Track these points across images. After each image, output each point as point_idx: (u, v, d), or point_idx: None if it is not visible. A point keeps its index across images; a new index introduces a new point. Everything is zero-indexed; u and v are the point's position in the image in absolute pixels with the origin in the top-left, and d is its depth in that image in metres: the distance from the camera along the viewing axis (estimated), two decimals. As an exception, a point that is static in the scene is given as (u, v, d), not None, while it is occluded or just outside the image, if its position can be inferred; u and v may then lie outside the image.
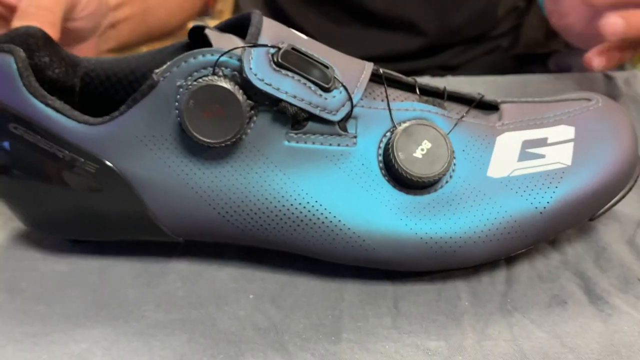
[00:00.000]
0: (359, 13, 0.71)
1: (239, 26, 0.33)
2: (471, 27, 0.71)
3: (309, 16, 0.74)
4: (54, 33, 0.38)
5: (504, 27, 0.73)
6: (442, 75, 0.70)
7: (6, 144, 0.31)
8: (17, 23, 0.38)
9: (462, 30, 0.71)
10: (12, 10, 0.41)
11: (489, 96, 0.39)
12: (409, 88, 0.34)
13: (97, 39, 0.50)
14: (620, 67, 0.89)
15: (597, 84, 0.52)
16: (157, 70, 0.29)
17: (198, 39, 0.34)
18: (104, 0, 0.50)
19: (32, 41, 0.33)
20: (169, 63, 0.29)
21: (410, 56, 0.72)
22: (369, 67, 0.32)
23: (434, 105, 0.32)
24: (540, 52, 0.74)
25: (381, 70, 0.33)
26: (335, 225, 0.30)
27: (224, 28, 0.33)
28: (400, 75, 0.34)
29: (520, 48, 0.72)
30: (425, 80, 0.55)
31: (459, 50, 0.72)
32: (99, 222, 0.32)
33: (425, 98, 0.33)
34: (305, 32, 0.75)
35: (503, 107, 0.34)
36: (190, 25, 0.34)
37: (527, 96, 0.51)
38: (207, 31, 0.32)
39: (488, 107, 0.35)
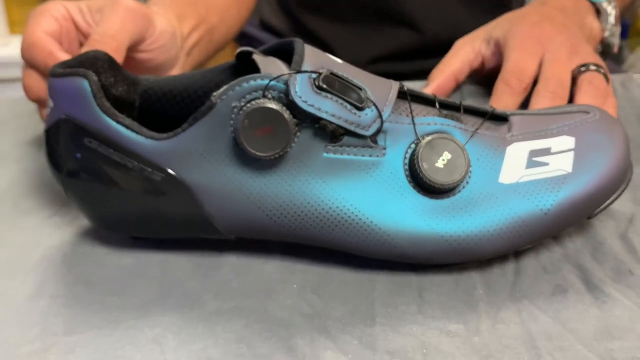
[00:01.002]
0: (363, 11, 0.75)
1: (280, 50, 0.37)
2: (472, 25, 0.75)
3: (307, 15, 0.78)
4: (117, 59, 0.42)
5: None
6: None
7: (80, 155, 0.36)
8: (85, 49, 0.42)
9: (462, 28, 0.75)
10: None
11: None
12: (430, 102, 0.38)
13: (179, 69, 0.54)
14: (619, 64, 0.93)
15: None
16: (215, 93, 0.34)
17: (243, 61, 0.38)
18: (178, 31, 0.53)
19: (99, 64, 0.38)
20: (225, 87, 0.33)
21: (417, 55, 0.76)
22: (395, 86, 0.37)
23: (452, 118, 0.37)
24: None
25: (405, 88, 0.37)
26: (368, 226, 0.35)
27: (267, 51, 0.38)
28: (422, 92, 0.38)
29: None
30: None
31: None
32: (161, 222, 0.37)
33: (444, 112, 0.38)
34: (315, 34, 0.78)
35: (512, 119, 0.39)
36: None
37: (529, 97, 0.56)
38: (254, 56, 0.36)
39: (499, 118, 0.39)
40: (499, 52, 0.53)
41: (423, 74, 0.76)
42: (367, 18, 0.75)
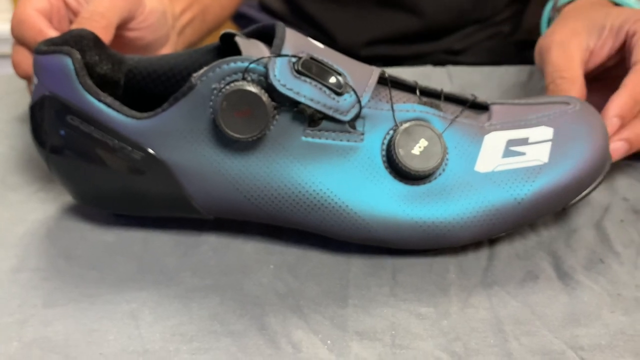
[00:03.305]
0: None
1: (263, 33, 0.38)
2: (472, 10, 0.75)
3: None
4: (106, 36, 0.43)
5: (506, 13, 0.77)
6: (445, 59, 0.74)
7: (63, 132, 0.37)
8: (74, 26, 0.43)
9: (462, 12, 0.74)
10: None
11: (485, 84, 0.41)
12: (411, 89, 0.39)
13: (170, 48, 0.54)
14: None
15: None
16: (195, 74, 0.34)
17: (228, 43, 0.39)
18: (169, 11, 0.53)
19: (84, 42, 0.38)
20: (205, 68, 0.34)
21: (415, 38, 0.76)
22: (376, 72, 0.37)
23: (431, 106, 0.37)
24: None
25: (387, 74, 0.38)
26: (344, 210, 0.36)
27: (251, 34, 0.38)
28: (403, 78, 0.39)
29: (521, 34, 0.76)
30: (428, 69, 0.60)
31: (462, 34, 0.76)
32: (141, 200, 0.38)
33: (424, 99, 0.38)
34: (312, 16, 0.78)
35: (492, 108, 0.39)
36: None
37: (520, 85, 0.56)
38: (237, 39, 0.37)
39: (479, 106, 0.40)
40: (621, 41, 0.46)
41: (420, 57, 0.76)
42: (365, 1, 0.75)
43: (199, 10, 0.60)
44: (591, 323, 0.33)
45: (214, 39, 0.41)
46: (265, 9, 0.86)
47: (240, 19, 0.89)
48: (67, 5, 0.48)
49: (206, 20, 0.62)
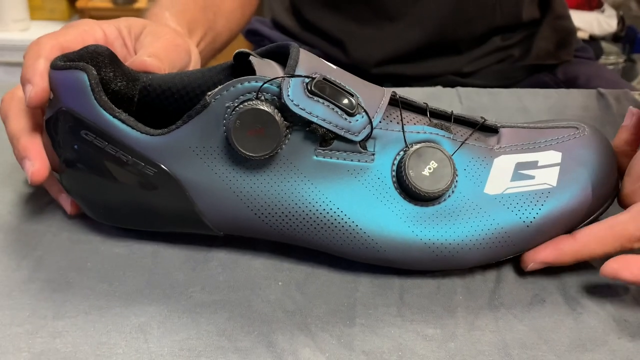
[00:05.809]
0: (371, 9, 0.75)
1: (277, 53, 0.38)
2: (480, 16, 0.73)
3: (323, 14, 0.78)
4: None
5: (517, 37, 0.77)
6: (455, 82, 0.74)
7: (77, 147, 0.37)
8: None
9: (473, 21, 0.73)
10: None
11: (494, 106, 0.42)
12: (421, 111, 0.39)
13: None
14: (630, 80, 0.92)
15: (590, 100, 0.57)
16: (209, 93, 0.35)
17: (241, 62, 0.39)
18: (195, 51, 0.52)
19: (100, 58, 0.39)
20: (220, 87, 0.34)
21: (425, 53, 0.76)
22: (387, 93, 0.38)
23: (441, 128, 0.38)
24: (550, 62, 0.77)
25: (398, 96, 0.38)
26: (353, 229, 0.36)
27: (264, 54, 0.39)
28: (414, 100, 0.39)
29: (531, 58, 0.76)
30: (437, 90, 0.61)
31: (472, 57, 0.76)
32: (153, 215, 0.38)
33: (434, 121, 0.38)
34: (326, 33, 0.78)
35: (502, 131, 0.39)
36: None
37: (529, 108, 0.57)
38: (251, 58, 0.37)
39: (489, 129, 0.40)
40: None
41: (429, 78, 0.76)
42: (381, 19, 0.76)
43: (211, 39, 0.61)
44: (597, 349, 0.33)
45: (227, 58, 0.41)
46: (277, 25, 0.87)
47: (252, 35, 0.89)
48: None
49: (215, 47, 0.63)
